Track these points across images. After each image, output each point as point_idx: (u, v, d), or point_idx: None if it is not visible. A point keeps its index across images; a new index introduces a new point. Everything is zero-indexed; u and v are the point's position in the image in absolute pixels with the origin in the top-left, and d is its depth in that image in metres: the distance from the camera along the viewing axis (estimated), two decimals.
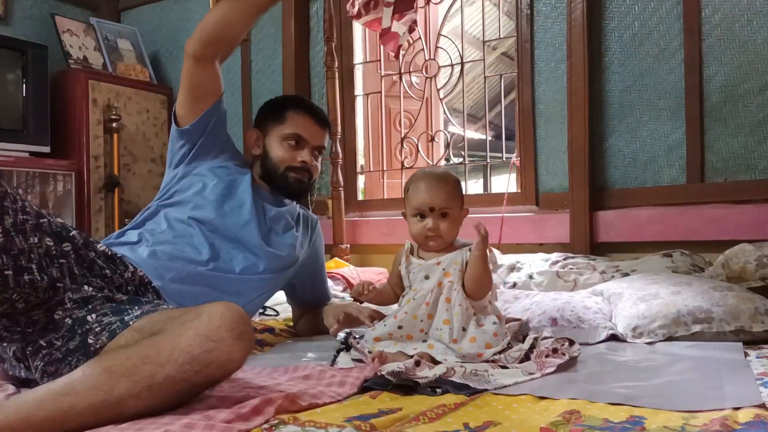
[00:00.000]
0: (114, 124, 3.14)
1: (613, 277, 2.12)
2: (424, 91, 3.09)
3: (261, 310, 2.03)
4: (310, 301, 1.87)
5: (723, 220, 2.27)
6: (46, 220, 1.19)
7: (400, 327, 1.41)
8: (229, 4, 1.61)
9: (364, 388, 1.20)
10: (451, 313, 1.39)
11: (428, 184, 1.48)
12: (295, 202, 1.81)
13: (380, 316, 1.57)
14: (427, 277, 1.46)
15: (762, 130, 2.27)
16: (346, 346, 1.51)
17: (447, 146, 3.13)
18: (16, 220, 1.12)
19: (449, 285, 1.42)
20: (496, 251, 2.51)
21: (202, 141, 1.69)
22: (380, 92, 3.17)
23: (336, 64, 2.96)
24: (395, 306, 1.52)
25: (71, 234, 1.24)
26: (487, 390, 1.17)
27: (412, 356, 1.34)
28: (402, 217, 1.57)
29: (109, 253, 1.33)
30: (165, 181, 1.71)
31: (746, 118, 2.29)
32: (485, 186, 3.38)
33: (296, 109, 1.73)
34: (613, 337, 1.66)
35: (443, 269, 1.44)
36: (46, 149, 3.01)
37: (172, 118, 1.70)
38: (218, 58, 1.66)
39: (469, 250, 1.44)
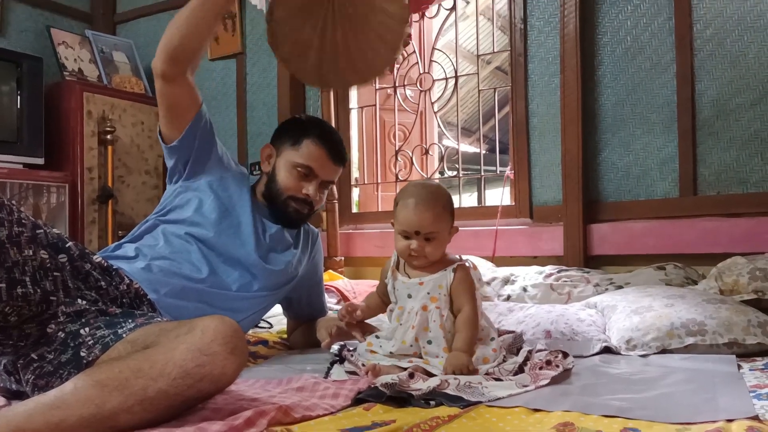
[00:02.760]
0: (108, 136, 3.14)
1: (606, 289, 2.13)
2: (418, 105, 3.11)
3: None
4: (306, 315, 1.87)
5: (716, 233, 2.28)
6: (42, 231, 1.19)
7: (391, 353, 1.40)
8: (189, 15, 1.53)
9: (358, 400, 1.20)
10: (441, 341, 1.38)
11: (416, 204, 1.42)
12: None
13: (371, 330, 1.57)
14: (409, 296, 1.44)
15: (753, 144, 2.29)
16: (340, 358, 1.51)
17: (441, 159, 3.14)
18: (11, 231, 1.11)
19: (437, 311, 1.40)
20: (489, 263, 2.52)
21: (195, 155, 1.66)
22: (375, 105, 3.19)
23: None
24: (385, 317, 1.52)
25: (67, 245, 1.23)
26: (480, 402, 1.17)
27: (406, 369, 1.33)
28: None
29: (105, 264, 1.32)
30: (164, 196, 1.69)
31: (738, 132, 2.31)
32: (479, 199, 3.38)
33: (314, 139, 1.66)
34: (607, 350, 1.66)
35: (428, 292, 1.42)
36: (40, 161, 3.01)
37: (158, 136, 1.67)
38: (189, 71, 1.60)
39: (453, 270, 1.42)
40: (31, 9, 3.42)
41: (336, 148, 1.69)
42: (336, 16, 1.66)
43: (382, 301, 1.55)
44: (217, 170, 1.68)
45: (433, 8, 2.88)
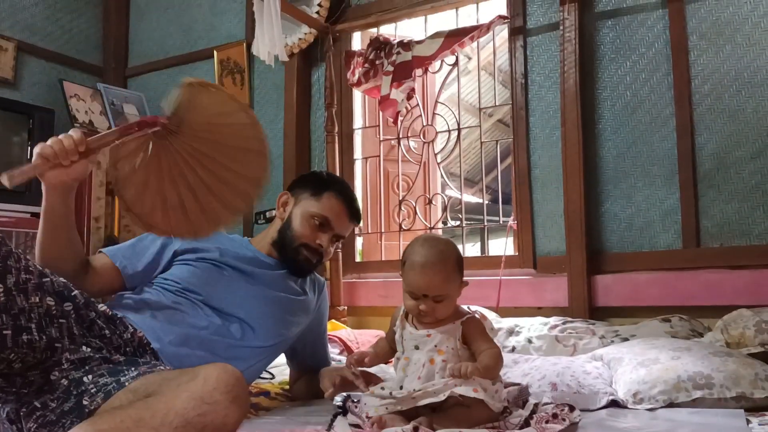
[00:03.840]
0: None
1: (612, 341, 2.11)
2: (421, 156, 3.15)
3: None
4: (310, 365, 1.85)
5: (720, 285, 2.28)
6: (48, 279, 1.19)
7: (391, 394, 1.39)
8: (47, 240, 1.40)
9: None
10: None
11: (424, 266, 1.38)
12: None
13: (377, 380, 1.56)
14: (416, 347, 1.42)
15: (755, 197, 2.31)
16: (343, 410, 1.49)
17: (444, 209, 3.16)
18: (18, 279, 1.12)
19: (443, 365, 1.37)
20: (493, 314, 2.51)
21: (151, 272, 1.61)
22: (379, 156, 3.23)
23: (336, 128, 3.03)
24: (387, 367, 1.51)
25: (73, 293, 1.24)
26: None
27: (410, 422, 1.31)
28: (400, 278, 1.53)
29: (110, 313, 1.32)
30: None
31: (739, 185, 2.33)
32: (483, 249, 3.40)
33: (336, 194, 1.71)
34: (614, 403, 1.64)
35: (435, 345, 1.40)
36: None
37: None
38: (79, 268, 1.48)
39: (461, 323, 1.41)
40: (45, 63, 3.51)
41: (354, 206, 1.76)
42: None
43: (390, 348, 1.53)
44: (181, 251, 1.63)
45: (436, 63, 2.95)
